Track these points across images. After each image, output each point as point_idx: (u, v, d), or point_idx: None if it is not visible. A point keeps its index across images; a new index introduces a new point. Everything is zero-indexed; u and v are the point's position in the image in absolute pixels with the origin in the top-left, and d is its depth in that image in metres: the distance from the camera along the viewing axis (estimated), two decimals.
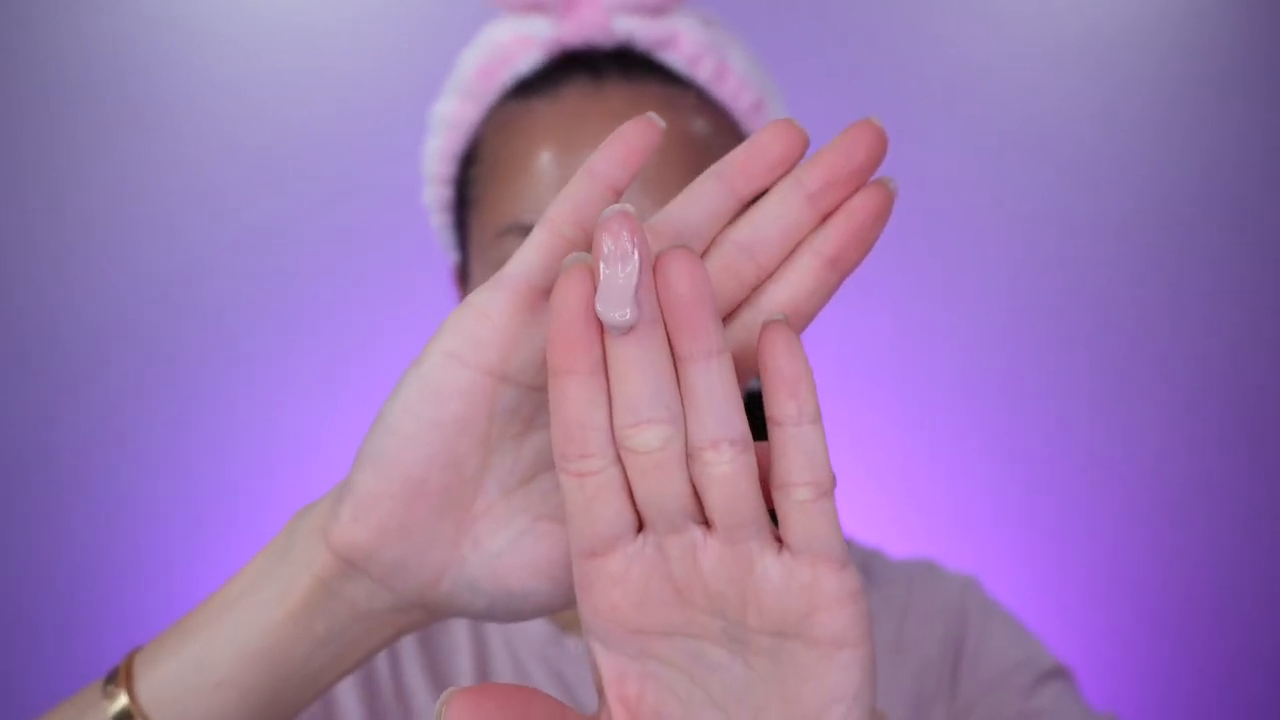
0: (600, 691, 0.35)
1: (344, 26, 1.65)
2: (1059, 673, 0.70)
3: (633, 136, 0.34)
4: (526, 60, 0.70)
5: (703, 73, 0.69)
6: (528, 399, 0.36)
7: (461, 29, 0.75)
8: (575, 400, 0.31)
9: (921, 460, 1.71)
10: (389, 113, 1.49)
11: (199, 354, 1.63)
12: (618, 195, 0.35)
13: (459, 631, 0.72)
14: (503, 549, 0.36)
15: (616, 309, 0.30)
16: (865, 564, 0.78)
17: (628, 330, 0.30)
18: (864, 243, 0.34)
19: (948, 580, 0.77)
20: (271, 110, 1.63)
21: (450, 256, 0.78)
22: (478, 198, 0.70)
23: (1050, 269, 1.73)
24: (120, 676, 0.39)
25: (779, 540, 0.33)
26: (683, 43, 0.69)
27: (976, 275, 1.72)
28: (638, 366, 0.31)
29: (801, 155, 0.35)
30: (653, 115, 0.35)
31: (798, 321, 0.35)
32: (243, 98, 1.62)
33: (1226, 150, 1.72)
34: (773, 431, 0.32)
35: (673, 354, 0.31)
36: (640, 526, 0.33)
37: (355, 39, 1.65)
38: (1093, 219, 1.72)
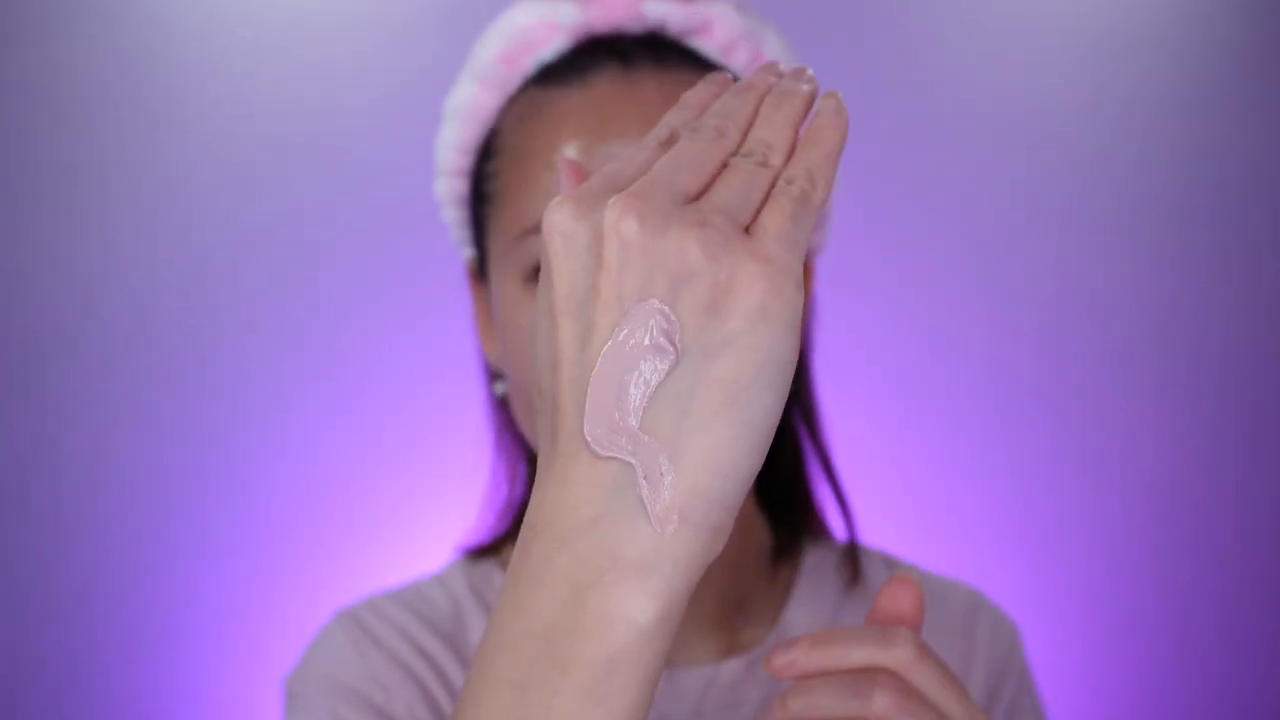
0: None
1: (356, 20, 1.63)
2: None
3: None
4: (552, 46, 0.66)
5: (737, 61, 0.66)
6: None
7: (475, 20, 0.72)
8: None
9: (919, 460, 1.69)
10: (400, 110, 1.47)
11: (207, 347, 1.62)
12: None
13: None
14: None
15: None
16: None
17: None
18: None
19: (1001, 623, 0.76)
20: (280, 108, 1.61)
21: (464, 252, 0.75)
22: (498, 193, 0.66)
23: (1049, 269, 1.71)
24: None
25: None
26: (716, 29, 0.65)
27: (975, 275, 1.71)
28: None
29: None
30: None
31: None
32: (253, 95, 1.61)
33: (1226, 148, 1.71)
34: None
35: None
36: None
37: (365, 34, 1.63)
38: (1092, 218, 1.71)
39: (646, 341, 0.36)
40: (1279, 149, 1.71)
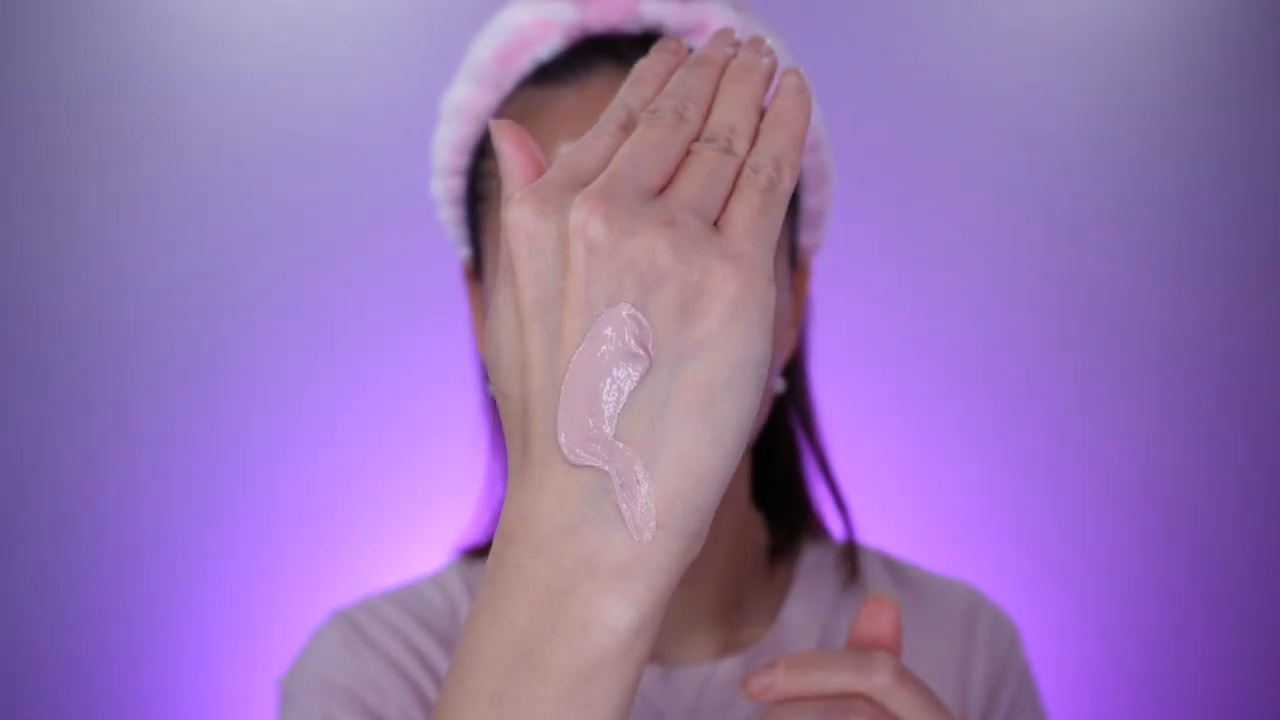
0: None
1: (354, 19, 1.62)
2: None
3: None
4: (548, 45, 0.66)
5: None
6: None
7: (473, 19, 0.72)
8: None
9: (919, 460, 1.69)
10: (398, 109, 1.47)
11: (205, 347, 1.62)
12: None
13: None
14: None
15: None
16: (906, 578, 0.77)
17: None
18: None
19: (1001, 621, 0.76)
20: (278, 108, 1.61)
21: (460, 252, 0.75)
22: (494, 192, 0.66)
23: (1049, 268, 1.71)
24: None
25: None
26: (713, 29, 0.65)
27: (975, 274, 1.70)
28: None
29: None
30: None
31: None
32: (251, 95, 1.61)
33: (1226, 148, 1.71)
34: None
35: None
36: None
37: (363, 33, 1.63)
38: (1092, 218, 1.71)
39: (618, 347, 0.35)
40: (1279, 149, 1.70)
